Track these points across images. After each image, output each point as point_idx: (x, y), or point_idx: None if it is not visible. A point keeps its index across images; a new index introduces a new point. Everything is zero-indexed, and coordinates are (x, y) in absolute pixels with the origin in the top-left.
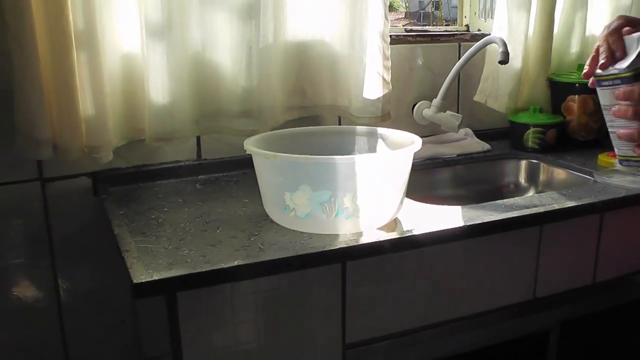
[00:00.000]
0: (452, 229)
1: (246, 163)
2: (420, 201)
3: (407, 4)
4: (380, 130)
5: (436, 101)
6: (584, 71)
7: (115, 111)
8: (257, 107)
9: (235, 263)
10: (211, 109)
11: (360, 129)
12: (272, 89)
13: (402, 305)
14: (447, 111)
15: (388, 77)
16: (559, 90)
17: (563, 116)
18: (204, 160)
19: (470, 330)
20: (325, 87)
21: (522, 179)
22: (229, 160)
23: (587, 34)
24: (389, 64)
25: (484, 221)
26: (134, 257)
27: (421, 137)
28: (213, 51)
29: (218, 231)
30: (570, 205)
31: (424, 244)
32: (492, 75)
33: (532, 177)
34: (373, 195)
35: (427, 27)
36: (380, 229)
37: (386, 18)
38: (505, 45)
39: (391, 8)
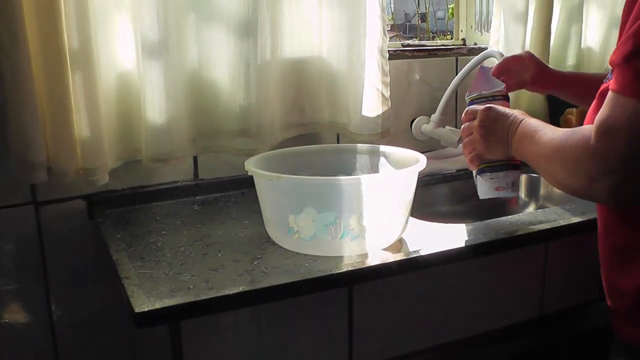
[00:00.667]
0: (459, 248)
1: (244, 182)
2: (419, 218)
3: (392, 17)
4: (383, 147)
5: (435, 116)
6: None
7: (111, 131)
8: (256, 126)
9: (240, 289)
10: (209, 127)
11: (361, 147)
12: (270, 107)
13: (409, 327)
14: (446, 126)
15: (387, 94)
16: (557, 103)
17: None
18: (202, 180)
19: (479, 350)
20: (324, 104)
21: (522, 193)
22: (227, 180)
23: (582, 46)
24: (388, 79)
25: (491, 239)
26: (134, 285)
27: (420, 152)
28: (210, 69)
29: (220, 255)
30: (576, 221)
31: (431, 264)
32: None
33: (533, 191)
34: (379, 216)
35: (424, 42)
36: (386, 249)
37: (384, 33)
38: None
39: None
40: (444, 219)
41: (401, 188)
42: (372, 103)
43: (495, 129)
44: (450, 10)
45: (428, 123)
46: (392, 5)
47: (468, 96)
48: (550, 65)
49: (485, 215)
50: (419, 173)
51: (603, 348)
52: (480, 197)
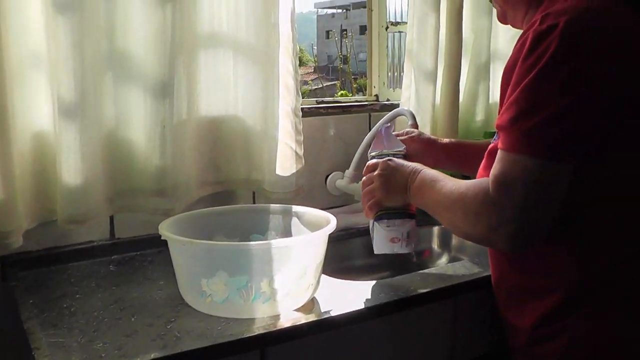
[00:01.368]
0: (370, 307)
1: (161, 241)
2: (335, 272)
3: (316, 59)
4: (295, 208)
5: (349, 172)
6: None
7: (25, 192)
8: (172, 185)
9: (152, 356)
10: (125, 187)
11: (274, 207)
12: (186, 166)
13: None
14: (360, 182)
15: (301, 152)
16: None
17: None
18: (118, 240)
19: None
20: (239, 162)
21: (435, 245)
22: (143, 239)
23: (490, 101)
24: (302, 138)
25: (400, 297)
26: (45, 356)
27: (334, 207)
28: (127, 129)
29: (133, 319)
30: (484, 275)
31: (341, 324)
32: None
33: (445, 243)
34: (290, 279)
35: (338, 98)
36: (298, 310)
37: (298, 93)
38: (414, 117)
39: (301, 63)
40: (359, 272)
41: (312, 251)
42: (286, 162)
43: (395, 177)
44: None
45: (342, 178)
46: (316, 48)
47: (370, 153)
48: (459, 122)
49: (398, 267)
50: (334, 228)
51: None
52: (375, 252)
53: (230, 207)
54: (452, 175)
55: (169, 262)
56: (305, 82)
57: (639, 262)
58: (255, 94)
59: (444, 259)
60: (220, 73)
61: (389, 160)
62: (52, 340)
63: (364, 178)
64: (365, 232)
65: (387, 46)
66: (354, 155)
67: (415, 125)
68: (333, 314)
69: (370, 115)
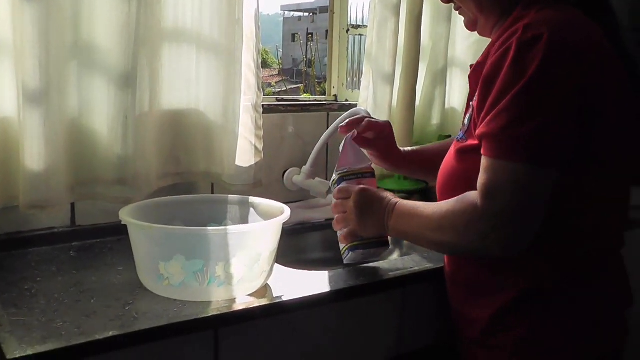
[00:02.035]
0: (320, 294)
1: (121, 229)
2: (290, 265)
3: (281, 61)
4: (252, 199)
5: (305, 168)
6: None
7: None
8: (133, 175)
9: (110, 334)
10: (87, 176)
11: (232, 197)
12: (147, 157)
13: None
14: (316, 178)
15: (260, 147)
16: None
17: (425, 182)
18: (79, 227)
19: None
20: (199, 155)
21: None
22: (103, 227)
23: (446, 106)
24: (261, 133)
25: (350, 285)
26: (6, 332)
27: (291, 202)
28: (90, 118)
29: (92, 301)
30: (430, 268)
31: (293, 309)
32: None
33: (397, 240)
34: (244, 264)
35: (297, 97)
36: (252, 295)
37: (259, 90)
38: (370, 117)
39: (265, 65)
40: (313, 265)
41: (266, 238)
42: (245, 155)
43: (372, 209)
44: None
45: (299, 174)
46: (281, 51)
47: (337, 172)
48: (415, 124)
49: None
50: (291, 222)
51: None
52: (345, 263)
53: (188, 197)
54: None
55: (129, 250)
56: (269, 85)
57: (594, 261)
58: (217, 89)
59: (395, 255)
60: (182, 67)
61: (364, 189)
62: (14, 319)
63: (336, 202)
64: (320, 227)
65: (348, 48)
66: (311, 153)
67: None
68: (285, 299)
69: (328, 115)
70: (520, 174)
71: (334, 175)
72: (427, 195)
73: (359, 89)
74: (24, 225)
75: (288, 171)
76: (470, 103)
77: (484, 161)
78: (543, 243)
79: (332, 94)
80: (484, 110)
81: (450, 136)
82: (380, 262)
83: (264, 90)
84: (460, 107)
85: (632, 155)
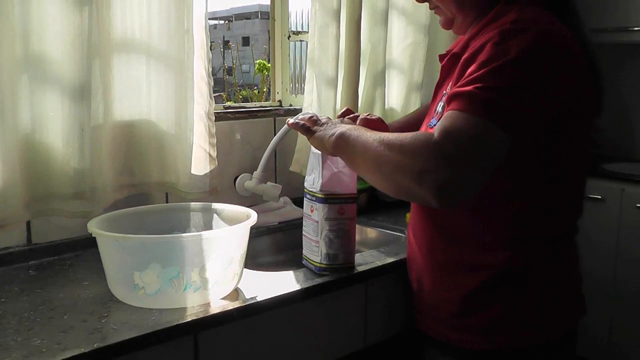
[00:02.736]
0: (290, 292)
1: (79, 245)
2: (250, 268)
3: None
4: (215, 205)
5: (257, 173)
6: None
7: None
8: (90, 189)
9: (95, 346)
10: (43, 191)
11: (194, 205)
12: (103, 170)
13: None
14: (268, 182)
15: (214, 154)
16: None
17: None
18: (35, 245)
19: None
20: (153, 165)
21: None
22: (60, 243)
23: (386, 107)
24: (215, 140)
25: (317, 283)
26: None
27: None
28: (44, 133)
29: (66, 317)
30: (390, 261)
31: (267, 308)
32: (305, 146)
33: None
34: (218, 268)
35: (244, 104)
36: (224, 299)
37: (211, 97)
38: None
39: None
40: (269, 267)
41: (237, 242)
42: (200, 163)
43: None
44: (256, 65)
45: (250, 180)
46: None
47: (322, 191)
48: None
49: None
50: None
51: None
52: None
53: (151, 207)
54: None
55: (89, 265)
56: None
57: (559, 245)
58: (169, 99)
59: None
60: (133, 78)
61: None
62: None
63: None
64: (274, 230)
65: (289, 54)
66: (262, 158)
67: None
68: (259, 299)
69: (275, 120)
70: (480, 128)
71: (311, 188)
72: (374, 192)
73: (302, 93)
74: None
75: (240, 177)
76: (444, 91)
77: (447, 113)
78: (514, 227)
79: (277, 99)
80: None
81: None
82: None
83: None
84: (399, 106)
85: (590, 148)
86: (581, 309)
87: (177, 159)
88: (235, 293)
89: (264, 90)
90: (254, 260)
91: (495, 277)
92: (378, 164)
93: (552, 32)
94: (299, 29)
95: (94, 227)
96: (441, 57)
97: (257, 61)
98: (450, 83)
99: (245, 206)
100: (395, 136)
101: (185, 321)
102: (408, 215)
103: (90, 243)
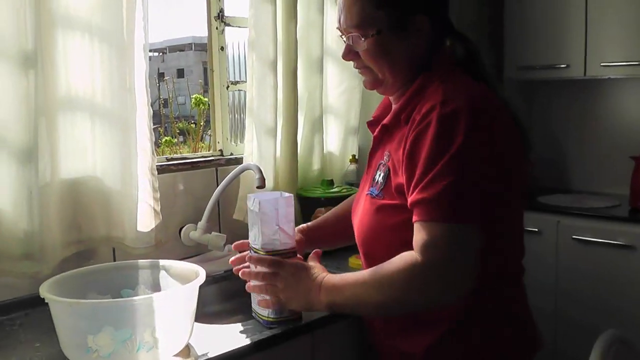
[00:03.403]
0: (241, 347)
1: (27, 304)
2: (196, 320)
3: None
4: (162, 262)
5: (201, 223)
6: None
7: None
8: (39, 248)
9: None
10: None
11: (142, 262)
12: (52, 228)
13: None
14: (212, 232)
15: (158, 208)
16: (307, 203)
17: None
18: None
19: None
20: (99, 221)
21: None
22: (10, 303)
23: (325, 151)
24: (158, 195)
25: (267, 335)
26: None
27: (189, 257)
28: None
29: None
30: None
31: None
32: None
33: None
34: (169, 327)
35: (185, 155)
36: (177, 355)
37: (153, 153)
38: (260, 171)
39: None
40: (216, 317)
41: (187, 300)
42: (146, 218)
43: (300, 286)
44: (193, 100)
45: (195, 230)
46: None
47: (264, 248)
48: (298, 172)
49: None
50: None
51: None
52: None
53: (100, 266)
54: None
55: (39, 324)
56: None
57: (514, 287)
58: (113, 156)
59: None
60: (78, 136)
61: (293, 265)
62: None
63: (256, 271)
64: (219, 279)
65: (228, 104)
66: (205, 208)
67: (262, 179)
68: (210, 355)
69: (217, 170)
70: (454, 231)
71: (253, 245)
72: None
73: (242, 142)
74: None
75: (184, 227)
76: (382, 162)
77: (419, 224)
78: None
79: (218, 148)
80: (413, 180)
81: (332, 181)
82: None
83: None
84: (337, 150)
85: (524, 186)
86: (537, 346)
87: (123, 214)
88: (187, 350)
89: (201, 124)
90: (201, 309)
91: (456, 327)
92: (380, 310)
93: (480, 104)
94: (237, 79)
95: (45, 292)
96: (370, 125)
97: (194, 96)
98: (402, 170)
99: (190, 256)
100: (378, 278)
101: None
102: (350, 259)
103: (38, 302)
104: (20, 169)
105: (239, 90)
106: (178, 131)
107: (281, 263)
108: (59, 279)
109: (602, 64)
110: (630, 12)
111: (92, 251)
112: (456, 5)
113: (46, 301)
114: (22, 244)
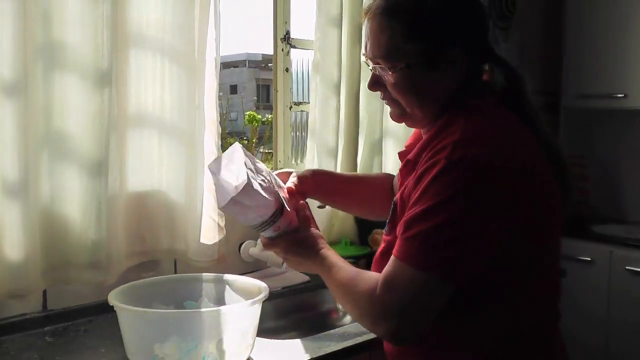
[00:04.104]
0: None
1: (92, 310)
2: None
3: None
4: (226, 276)
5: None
6: None
7: None
8: (105, 257)
9: None
10: (59, 261)
11: (206, 276)
12: (118, 239)
13: None
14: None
15: (222, 224)
16: (364, 224)
17: (370, 247)
18: (50, 311)
19: None
20: (163, 233)
21: (340, 305)
22: (75, 309)
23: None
24: None
25: (327, 352)
26: None
27: (248, 273)
28: (62, 205)
29: None
30: None
31: None
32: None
33: None
34: (234, 340)
35: None
36: None
37: None
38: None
39: None
40: (271, 333)
41: (250, 315)
42: (209, 232)
43: (302, 259)
44: (246, 117)
45: (255, 246)
46: None
47: (252, 227)
48: None
49: (309, 328)
50: None
51: None
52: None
53: (164, 277)
54: None
55: (103, 330)
56: None
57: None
58: (179, 171)
59: (348, 317)
60: (145, 151)
61: (288, 247)
62: None
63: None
64: (277, 295)
65: (291, 124)
66: None
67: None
68: None
69: None
70: (418, 279)
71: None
72: (372, 259)
73: (303, 161)
74: None
75: (244, 244)
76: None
77: (392, 257)
78: (490, 325)
79: (279, 167)
80: (406, 214)
81: None
82: (345, 327)
83: None
84: (395, 172)
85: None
86: None
87: (187, 227)
88: None
89: (254, 140)
90: (259, 325)
91: None
92: (343, 301)
93: (496, 156)
94: (299, 99)
95: (114, 301)
96: (401, 155)
97: (247, 112)
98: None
99: (249, 272)
100: (347, 290)
101: None
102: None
103: (102, 309)
104: (91, 181)
105: (302, 111)
106: (227, 145)
107: (275, 243)
108: (124, 288)
109: None
110: None
111: (154, 262)
112: (517, 36)
113: (115, 309)
114: (89, 253)
